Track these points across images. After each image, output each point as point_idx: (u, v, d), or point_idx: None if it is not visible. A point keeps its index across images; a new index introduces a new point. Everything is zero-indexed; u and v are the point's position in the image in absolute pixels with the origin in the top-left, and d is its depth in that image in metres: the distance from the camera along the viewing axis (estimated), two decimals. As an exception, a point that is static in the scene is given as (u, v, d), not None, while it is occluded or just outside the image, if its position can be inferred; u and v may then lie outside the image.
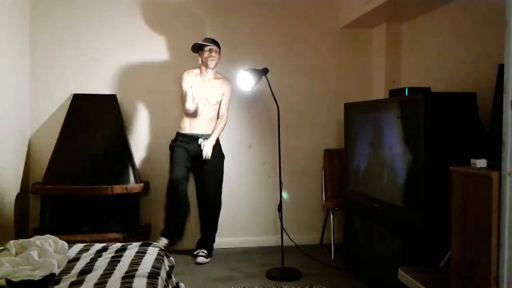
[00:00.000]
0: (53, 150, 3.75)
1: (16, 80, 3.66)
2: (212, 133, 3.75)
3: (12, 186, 3.55)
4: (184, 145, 3.71)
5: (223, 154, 3.86)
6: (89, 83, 3.99)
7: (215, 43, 3.74)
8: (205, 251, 3.78)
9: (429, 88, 2.88)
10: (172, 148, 3.75)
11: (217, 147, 3.78)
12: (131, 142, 3.97)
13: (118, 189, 3.61)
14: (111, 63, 4.03)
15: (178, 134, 3.76)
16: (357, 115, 3.51)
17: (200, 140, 3.68)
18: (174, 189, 3.69)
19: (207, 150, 3.67)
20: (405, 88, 2.87)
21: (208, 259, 3.76)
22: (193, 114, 3.68)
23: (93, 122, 3.85)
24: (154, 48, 4.07)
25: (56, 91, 3.96)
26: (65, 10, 3.96)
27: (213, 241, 3.91)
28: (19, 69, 3.74)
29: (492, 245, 1.74)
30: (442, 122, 2.56)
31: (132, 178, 3.75)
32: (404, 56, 4.04)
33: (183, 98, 3.70)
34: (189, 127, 3.72)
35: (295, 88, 4.25)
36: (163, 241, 3.66)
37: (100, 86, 3.99)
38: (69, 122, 3.82)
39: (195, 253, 3.80)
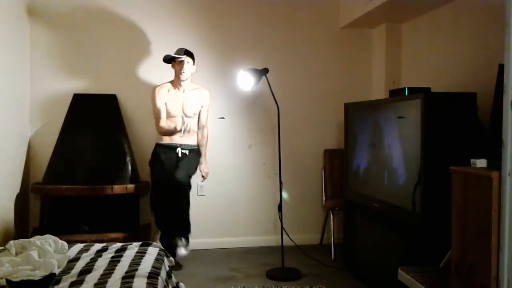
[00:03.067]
0: (53, 150, 3.75)
1: (16, 80, 3.66)
2: (202, 153, 3.79)
3: (12, 186, 3.55)
4: (163, 158, 3.61)
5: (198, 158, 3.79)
6: (89, 83, 3.99)
7: (188, 54, 3.61)
8: (184, 240, 3.55)
9: (429, 88, 2.88)
10: (150, 163, 3.69)
11: (194, 152, 3.73)
12: (131, 142, 3.97)
13: (118, 189, 3.61)
14: (111, 63, 4.03)
15: (157, 145, 3.69)
16: (357, 115, 3.51)
17: (178, 150, 3.63)
18: (160, 210, 3.63)
19: (207, 172, 3.85)
20: (405, 88, 2.87)
21: (188, 250, 3.57)
22: (169, 132, 3.61)
23: (93, 122, 3.85)
24: (154, 48, 4.07)
25: (56, 91, 3.96)
26: (65, 10, 3.95)
27: (189, 229, 3.67)
28: (19, 69, 3.74)
29: (492, 245, 1.74)
30: (442, 122, 2.56)
31: (132, 178, 3.75)
32: (404, 56, 4.04)
33: (156, 115, 3.65)
34: (169, 138, 3.65)
35: (295, 88, 4.25)
36: (182, 243, 3.55)
37: (100, 86, 3.99)
38: (69, 122, 3.82)
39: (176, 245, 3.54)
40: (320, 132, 4.29)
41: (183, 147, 3.66)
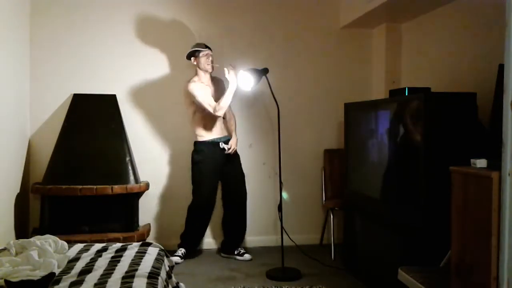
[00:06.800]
0: (53, 150, 3.75)
1: (16, 80, 3.66)
2: (233, 133, 3.88)
3: (12, 186, 3.55)
4: (210, 155, 3.71)
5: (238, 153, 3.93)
6: (89, 83, 3.98)
7: (208, 48, 3.75)
8: (243, 249, 3.86)
9: (429, 88, 2.88)
10: (197, 162, 3.74)
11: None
12: (131, 142, 3.97)
13: (118, 189, 3.61)
14: (111, 63, 4.02)
15: (199, 143, 3.75)
16: (357, 115, 3.51)
17: (221, 144, 3.74)
18: (202, 211, 3.80)
19: (234, 147, 3.81)
20: (405, 88, 2.87)
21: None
22: (215, 117, 3.69)
23: (93, 122, 3.85)
24: (154, 48, 4.07)
25: (56, 91, 3.96)
26: (65, 10, 3.95)
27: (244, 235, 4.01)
28: (19, 69, 3.74)
29: (492, 245, 1.74)
30: (442, 122, 2.56)
31: (132, 178, 3.75)
32: (404, 56, 4.04)
33: (205, 104, 3.61)
34: (206, 133, 3.74)
35: (295, 88, 4.25)
36: (181, 251, 3.76)
37: (100, 86, 3.99)
38: (69, 122, 3.82)
39: (236, 252, 3.82)
40: (320, 132, 4.29)
41: (224, 139, 3.78)
